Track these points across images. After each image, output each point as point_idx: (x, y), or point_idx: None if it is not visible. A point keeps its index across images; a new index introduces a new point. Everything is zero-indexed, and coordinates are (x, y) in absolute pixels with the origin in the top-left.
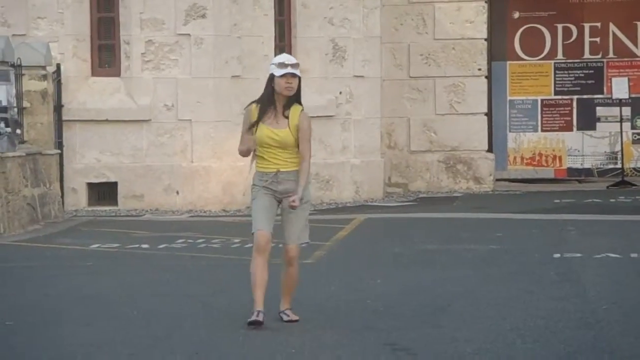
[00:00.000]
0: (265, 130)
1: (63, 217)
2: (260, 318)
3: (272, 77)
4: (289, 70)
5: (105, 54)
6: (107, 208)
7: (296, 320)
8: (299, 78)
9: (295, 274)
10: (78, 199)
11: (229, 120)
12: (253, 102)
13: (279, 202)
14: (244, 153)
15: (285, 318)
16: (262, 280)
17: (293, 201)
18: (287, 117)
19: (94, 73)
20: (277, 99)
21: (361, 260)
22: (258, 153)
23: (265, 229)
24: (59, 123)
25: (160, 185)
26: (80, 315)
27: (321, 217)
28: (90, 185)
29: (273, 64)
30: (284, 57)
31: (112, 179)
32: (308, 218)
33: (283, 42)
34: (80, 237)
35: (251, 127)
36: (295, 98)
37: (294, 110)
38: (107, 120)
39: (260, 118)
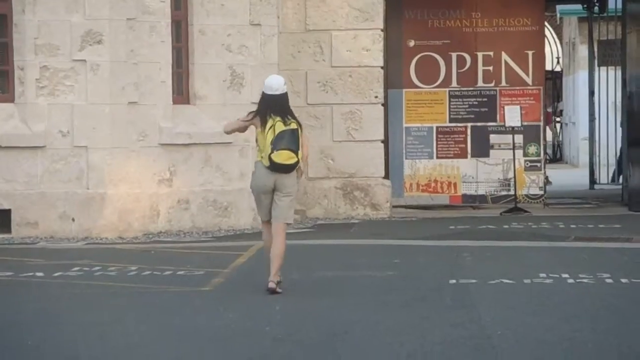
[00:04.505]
0: None
1: None
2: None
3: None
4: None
5: None
6: (0, 236)
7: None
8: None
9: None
10: None
11: (125, 146)
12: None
13: None
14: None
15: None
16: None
17: None
18: None
19: None
20: None
21: (259, 288)
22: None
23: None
24: None
25: (55, 213)
26: None
27: (219, 244)
28: None
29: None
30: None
31: (5, 206)
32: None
33: (181, 68)
34: None
35: None
36: None
37: None
38: (0, 147)
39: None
